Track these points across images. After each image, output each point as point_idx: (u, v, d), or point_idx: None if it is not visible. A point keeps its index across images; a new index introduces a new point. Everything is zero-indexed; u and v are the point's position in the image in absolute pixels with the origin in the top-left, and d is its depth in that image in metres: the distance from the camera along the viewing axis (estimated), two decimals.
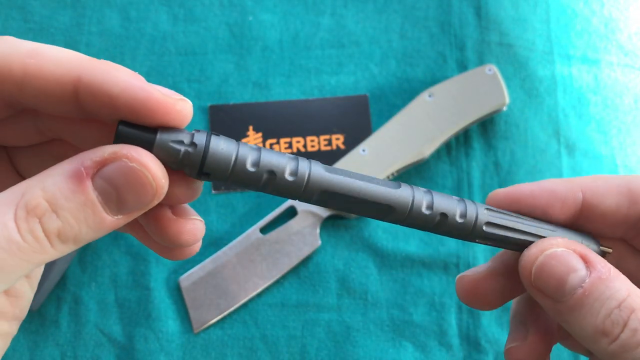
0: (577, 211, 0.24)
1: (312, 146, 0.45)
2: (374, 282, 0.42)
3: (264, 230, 0.43)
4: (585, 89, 0.46)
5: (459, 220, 0.23)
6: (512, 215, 0.24)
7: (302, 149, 0.45)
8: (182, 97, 0.20)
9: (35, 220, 0.18)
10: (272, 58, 0.47)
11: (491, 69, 0.44)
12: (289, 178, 0.22)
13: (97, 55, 0.48)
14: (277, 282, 0.42)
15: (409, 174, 0.44)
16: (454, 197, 0.24)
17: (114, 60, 0.47)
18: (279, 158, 0.22)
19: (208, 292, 0.41)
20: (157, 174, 0.19)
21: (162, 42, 0.47)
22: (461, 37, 0.47)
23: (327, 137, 0.45)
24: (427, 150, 0.43)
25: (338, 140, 0.45)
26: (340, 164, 0.43)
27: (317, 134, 0.45)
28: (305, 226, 0.42)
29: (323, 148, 0.45)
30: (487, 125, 0.45)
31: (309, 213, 0.43)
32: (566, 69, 0.47)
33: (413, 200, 0.22)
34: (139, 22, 0.48)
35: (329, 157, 0.44)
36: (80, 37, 0.48)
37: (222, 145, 0.21)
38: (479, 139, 0.45)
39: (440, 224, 0.23)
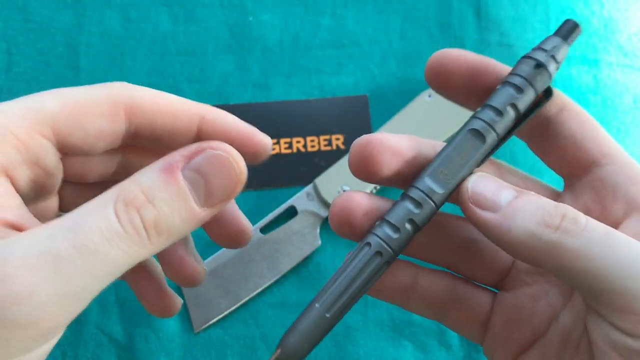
0: None
1: (312, 146, 0.45)
2: None
3: (264, 230, 0.43)
4: (584, 89, 0.46)
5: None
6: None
7: (302, 149, 0.45)
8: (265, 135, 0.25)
9: (133, 211, 0.19)
10: (272, 58, 0.47)
11: None
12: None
13: (98, 55, 0.48)
14: (278, 282, 0.42)
15: None
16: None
17: (114, 60, 0.47)
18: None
19: (208, 291, 0.41)
20: (240, 160, 0.22)
21: (163, 42, 0.48)
22: (461, 37, 0.47)
23: (327, 137, 0.45)
24: None
25: (338, 140, 0.45)
26: (341, 164, 0.43)
27: (317, 134, 0.45)
28: (305, 226, 0.43)
29: (323, 148, 0.45)
30: None
31: (309, 213, 0.43)
32: (565, 69, 0.47)
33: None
34: (140, 22, 0.48)
35: (329, 157, 0.45)
36: (80, 38, 0.48)
37: None
38: None
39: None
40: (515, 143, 0.45)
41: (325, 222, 0.43)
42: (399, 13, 0.48)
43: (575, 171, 0.25)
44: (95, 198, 0.20)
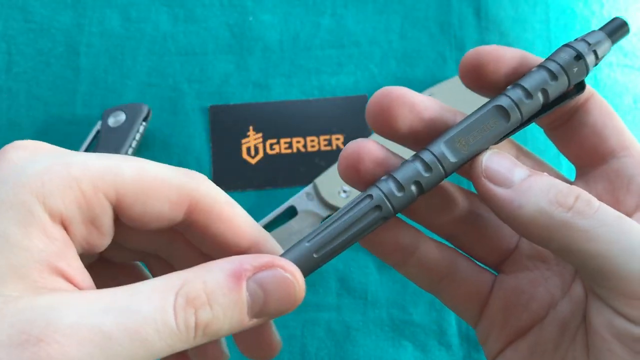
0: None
1: (312, 146, 0.45)
2: (374, 281, 0.42)
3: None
4: None
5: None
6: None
7: (302, 149, 0.45)
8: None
9: (192, 311, 0.19)
10: (272, 58, 0.47)
11: None
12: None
13: (98, 55, 0.48)
14: None
15: None
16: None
17: (114, 60, 0.48)
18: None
19: None
20: (302, 287, 0.21)
21: (163, 42, 0.48)
22: (461, 38, 0.47)
23: (327, 137, 0.45)
24: None
25: (338, 140, 0.45)
26: None
27: (317, 134, 0.45)
28: (305, 226, 0.43)
29: (323, 148, 0.45)
30: None
31: (309, 213, 0.43)
32: None
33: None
34: (140, 22, 0.48)
35: (329, 157, 0.45)
36: (80, 38, 0.48)
37: None
38: None
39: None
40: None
41: None
42: (399, 13, 0.48)
43: (591, 161, 0.25)
44: (156, 281, 0.19)
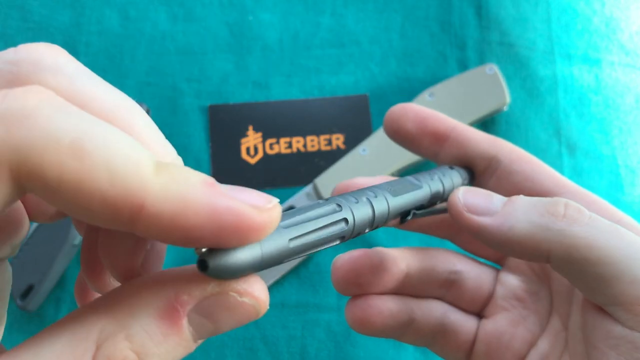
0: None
1: (312, 146, 0.45)
2: None
3: None
4: (586, 89, 0.46)
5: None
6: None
7: (302, 149, 0.45)
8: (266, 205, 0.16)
9: None
10: (272, 58, 0.47)
11: (492, 68, 0.44)
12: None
13: (97, 54, 0.48)
14: (277, 282, 0.42)
15: (409, 174, 0.44)
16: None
17: (113, 59, 0.47)
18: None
19: None
20: (266, 302, 0.16)
21: (162, 41, 0.47)
22: (462, 37, 0.47)
23: (327, 137, 0.45)
24: None
25: (338, 140, 0.45)
26: (341, 164, 0.43)
27: (317, 133, 0.45)
28: None
29: (323, 148, 0.45)
30: (488, 125, 0.45)
31: None
32: (567, 68, 0.47)
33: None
34: (139, 21, 0.48)
35: (329, 157, 0.44)
36: (79, 37, 0.47)
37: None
38: None
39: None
40: (516, 142, 0.45)
41: None
42: (400, 12, 0.48)
43: None
44: (62, 338, 0.14)
